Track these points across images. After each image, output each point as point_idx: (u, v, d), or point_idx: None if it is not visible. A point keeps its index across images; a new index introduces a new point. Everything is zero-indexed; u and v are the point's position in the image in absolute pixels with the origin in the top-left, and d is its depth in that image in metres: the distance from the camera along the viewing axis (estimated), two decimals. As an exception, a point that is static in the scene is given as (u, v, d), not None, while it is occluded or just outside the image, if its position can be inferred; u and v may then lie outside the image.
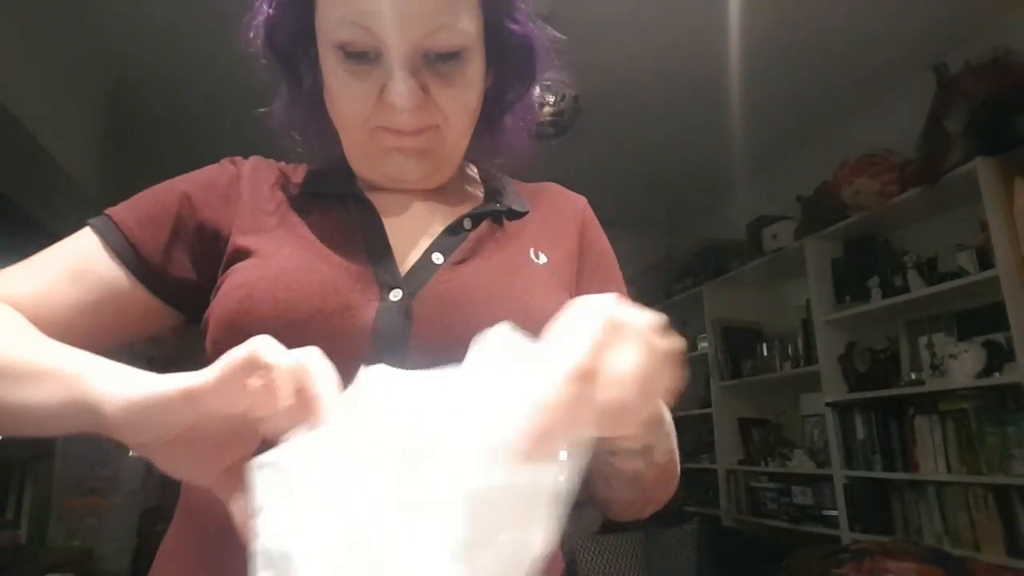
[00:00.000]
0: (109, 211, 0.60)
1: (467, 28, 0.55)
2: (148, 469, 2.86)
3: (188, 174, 0.64)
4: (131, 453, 2.75)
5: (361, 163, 0.63)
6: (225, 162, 0.66)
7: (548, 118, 2.49)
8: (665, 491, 0.58)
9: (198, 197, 0.61)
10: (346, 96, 0.57)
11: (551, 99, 2.47)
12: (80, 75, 2.50)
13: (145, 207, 0.60)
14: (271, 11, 0.60)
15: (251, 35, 0.62)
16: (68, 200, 2.52)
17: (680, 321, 4.18)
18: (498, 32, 0.60)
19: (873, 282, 2.73)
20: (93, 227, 0.59)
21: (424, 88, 0.55)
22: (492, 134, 0.68)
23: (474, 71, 0.58)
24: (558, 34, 0.65)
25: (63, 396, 0.41)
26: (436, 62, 0.55)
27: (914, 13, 2.46)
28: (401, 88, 0.54)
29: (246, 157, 0.68)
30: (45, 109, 2.20)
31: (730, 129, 3.20)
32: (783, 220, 3.25)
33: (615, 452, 0.51)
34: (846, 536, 2.64)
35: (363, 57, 0.55)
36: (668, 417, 0.54)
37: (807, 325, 3.11)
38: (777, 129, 3.28)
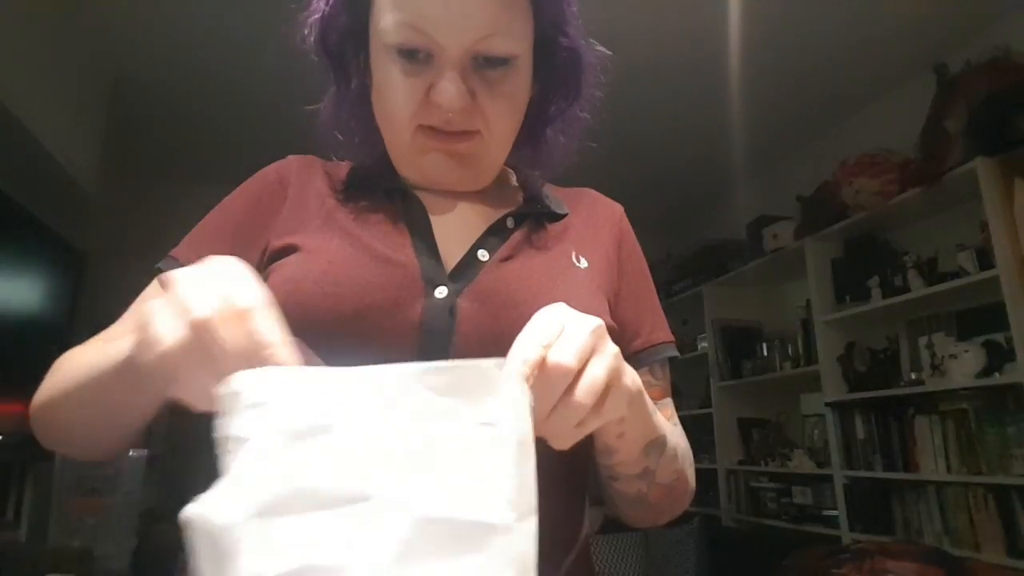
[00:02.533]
0: (174, 252, 0.60)
1: (520, 36, 0.56)
2: (148, 469, 2.85)
3: (233, 194, 0.65)
4: (131, 453, 2.75)
5: (403, 163, 0.64)
6: (268, 171, 0.67)
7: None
8: (677, 505, 0.59)
9: (246, 218, 0.62)
10: (395, 93, 0.57)
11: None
12: (80, 75, 2.50)
13: (205, 240, 0.61)
14: (327, 8, 0.61)
15: (305, 32, 0.63)
16: (68, 200, 2.52)
17: (680, 321, 4.18)
18: (548, 45, 0.61)
19: (873, 282, 2.72)
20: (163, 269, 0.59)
21: (471, 92, 0.56)
22: (533, 145, 0.68)
23: (521, 81, 0.59)
24: (606, 51, 0.66)
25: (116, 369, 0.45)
26: (485, 67, 0.56)
27: (914, 13, 2.46)
28: (449, 88, 0.54)
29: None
30: (45, 109, 2.20)
31: (730, 129, 3.20)
32: (783, 220, 3.25)
33: (616, 478, 0.53)
34: (846, 536, 2.64)
35: (415, 56, 0.55)
36: (672, 441, 0.54)
37: (807, 325, 3.10)
38: (777, 129, 3.28)
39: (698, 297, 3.78)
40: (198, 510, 0.31)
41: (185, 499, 0.33)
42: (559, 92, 0.66)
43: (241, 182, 0.68)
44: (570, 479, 0.58)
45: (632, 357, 0.63)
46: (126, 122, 2.97)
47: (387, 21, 0.55)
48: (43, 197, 2.30)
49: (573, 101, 0.66)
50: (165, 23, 2.43)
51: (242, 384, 0.33)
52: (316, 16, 0.62)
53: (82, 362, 0.51)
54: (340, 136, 0.67)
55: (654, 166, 3.67)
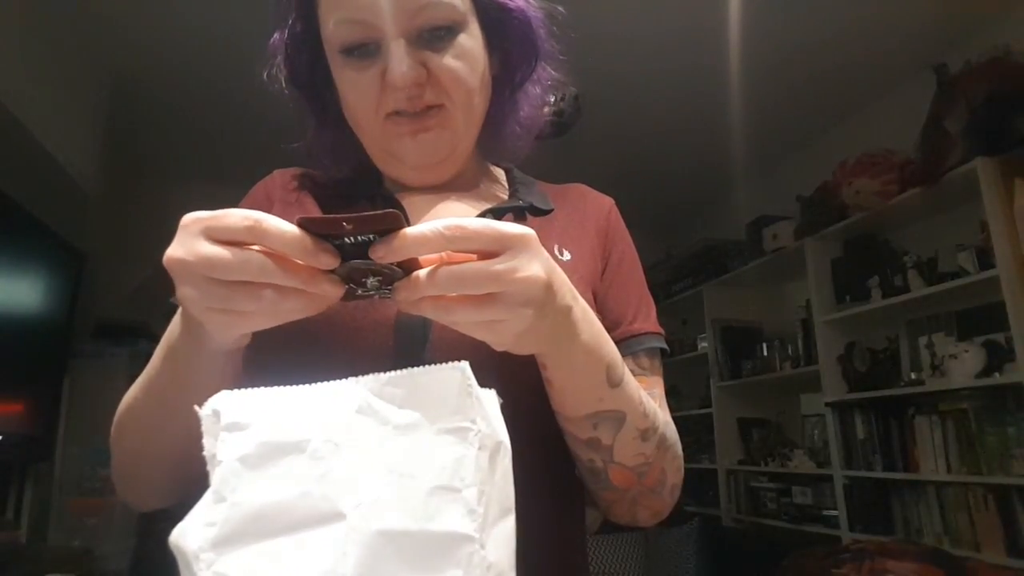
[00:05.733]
0: None
1: (454, 2, 0.57)
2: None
3: None
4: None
5: (382, 160, 0.64)
6: (255, 190, 0.68)
7: (548, 118, 2.49)
8: (656, 498, 0.58)
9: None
10: (354, 92, 0.59)
11: (551, 99, 2.47)
12: (80, 74, 2.50)
13: None
14: (287, 42, 0.63)
15: (274, 71, 0.65)
16: (68, 200, 2.51)
17: (680, 321, 4.18)
18: (493, 12, 0.62)
19: (873, 282, 2.73)
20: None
21: (424, 65, 0.57)
22: (508, 118, 0.69)
23: (471, 46, 0.59)
24: (558, 8, 0.67)
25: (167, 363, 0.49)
26: (432, 41, 0.57)
27: (914, 13, 2.46)
28: (399, 66, 0.55)
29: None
30: (45, 109, 2.20)
31: (730, 129, 3.20)
32: (783, 220, 3.25)
33: (564, 430, 0.53)
34: (846, 536, 2.64)
35: (364, 52, 0.57)
36: (641, 425, 0.53)
37: (807, 325, 3.11)
38: (777, 129, 3.28)
39: (698, 297, 3.78)
40: (175, 532, 0.31)
41: (185, 499, 0.33)
42: (519, 58, 0.66)
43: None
44: (559, 479, 0.58)
45: (616, 346, 0.63)
46: (126, 122, 2.97)
47: (330, 25, 0.57)
48: (43, 197, 2.30)
49: (536, 61, 0.67)
50: (165, 23, 2.43)
51: (221, 405, 0.34)
52: (280, 57, 0.64)
53: (133, 390, 0.53)
54: (326, 162, 0.69)
55: (654, 166, 3.67)
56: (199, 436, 0.36)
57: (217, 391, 0.44)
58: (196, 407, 0.34)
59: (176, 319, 0.47)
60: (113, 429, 0.55)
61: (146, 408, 0.51)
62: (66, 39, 2.36)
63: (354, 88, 0.59)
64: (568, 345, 0.46)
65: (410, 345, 0.54)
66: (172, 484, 0.54)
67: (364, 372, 0.36)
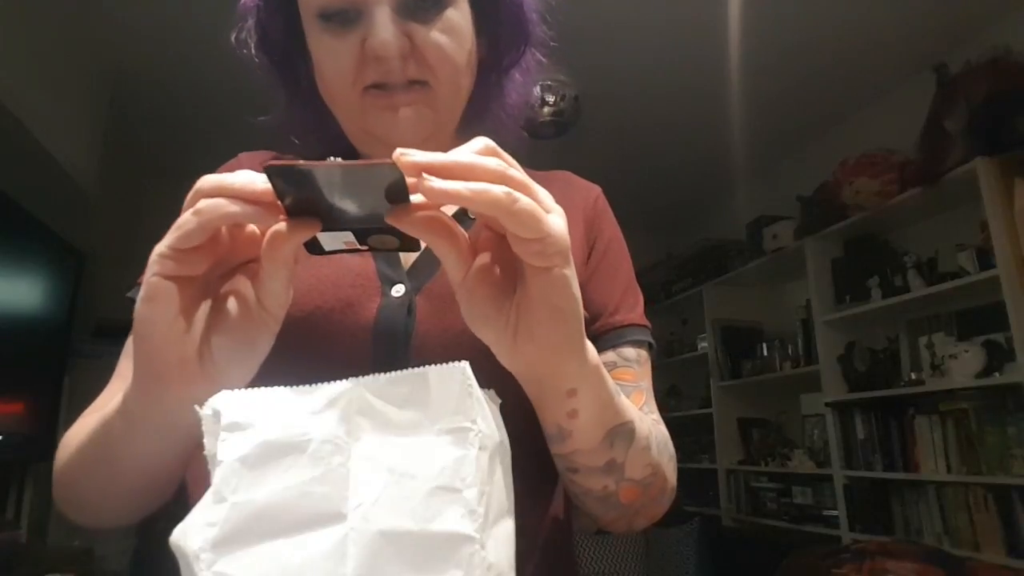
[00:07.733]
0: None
1: None
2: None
3: None
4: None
5: (358, 138, 0.61)
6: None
7: (548, 118, 2.49)
8: (654, 506, 0.56)
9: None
10: (331, 61, 0.55)
11: (551, 99, 2.47)
12: (80, 74, 2.50)
13: None
14: (260, 4, 0.60)
15: (243, 36, 0.62)
16: (68, 200, 2.52)
17: (680, 321, 4.18)
18: None
19: (873, 282, 2.73)
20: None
21: (408, 37, 0.54)
22: (492, 104, 0.66)
23: (459, 23, 0.56)
24: None
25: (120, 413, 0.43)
26: (417, 12, 0.54)
27: (914, 13, 2.46)
28: (381, 33, 0.51)
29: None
30: (45, 109, 2.20)
31: (730, 129, 3.21)
32: (783, 220, 3.26)
33: (576, 470, 0.49)
34: (846, 536, 2.64)
35: (344, 18, 0.53)
36: (644, 430, 0.51)
37: (807, 325, 3.11)
38: (777, 129, 3.28)
39: (698, 297, 3.78)
40: (176, 532, 0.32)
41: (186, 499, 0.33)
42: (508, 42, 0.64)
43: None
44: (552, 478, 0.56)
45: (597, 339, 0.60)
46: (126, 122, 2.97)
47: None
48: (43, 197, 2.30)
49: (525, 46, 0.65)
50: (166, 23, 2.43)
51: (221, 404, 0.34)
52: (252, 20, 0.61)
53: (89, 421, 0.49)
54: (297, 140, 0.66)
55: (654, 166, 3.67)
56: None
57: (163, 458, 0.42)
58: (196, 407, 0.34)
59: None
60: (60, 460, 0.49)
61: (96, 459, 0.46)
62: (66, 39, 2.37)
63: (331, 56, 0.54)
64: (584, 350, 0.42)
65: (388, 349, 0.51)
66: (130, 512, 0.50)
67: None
